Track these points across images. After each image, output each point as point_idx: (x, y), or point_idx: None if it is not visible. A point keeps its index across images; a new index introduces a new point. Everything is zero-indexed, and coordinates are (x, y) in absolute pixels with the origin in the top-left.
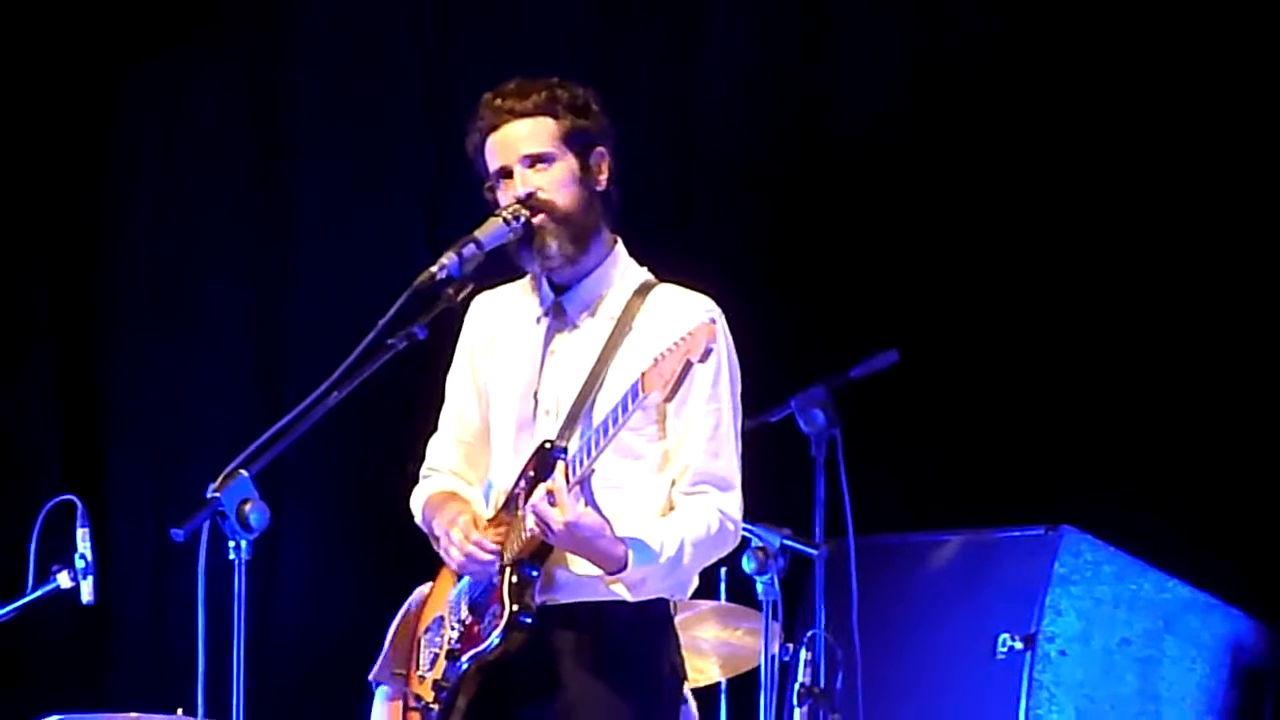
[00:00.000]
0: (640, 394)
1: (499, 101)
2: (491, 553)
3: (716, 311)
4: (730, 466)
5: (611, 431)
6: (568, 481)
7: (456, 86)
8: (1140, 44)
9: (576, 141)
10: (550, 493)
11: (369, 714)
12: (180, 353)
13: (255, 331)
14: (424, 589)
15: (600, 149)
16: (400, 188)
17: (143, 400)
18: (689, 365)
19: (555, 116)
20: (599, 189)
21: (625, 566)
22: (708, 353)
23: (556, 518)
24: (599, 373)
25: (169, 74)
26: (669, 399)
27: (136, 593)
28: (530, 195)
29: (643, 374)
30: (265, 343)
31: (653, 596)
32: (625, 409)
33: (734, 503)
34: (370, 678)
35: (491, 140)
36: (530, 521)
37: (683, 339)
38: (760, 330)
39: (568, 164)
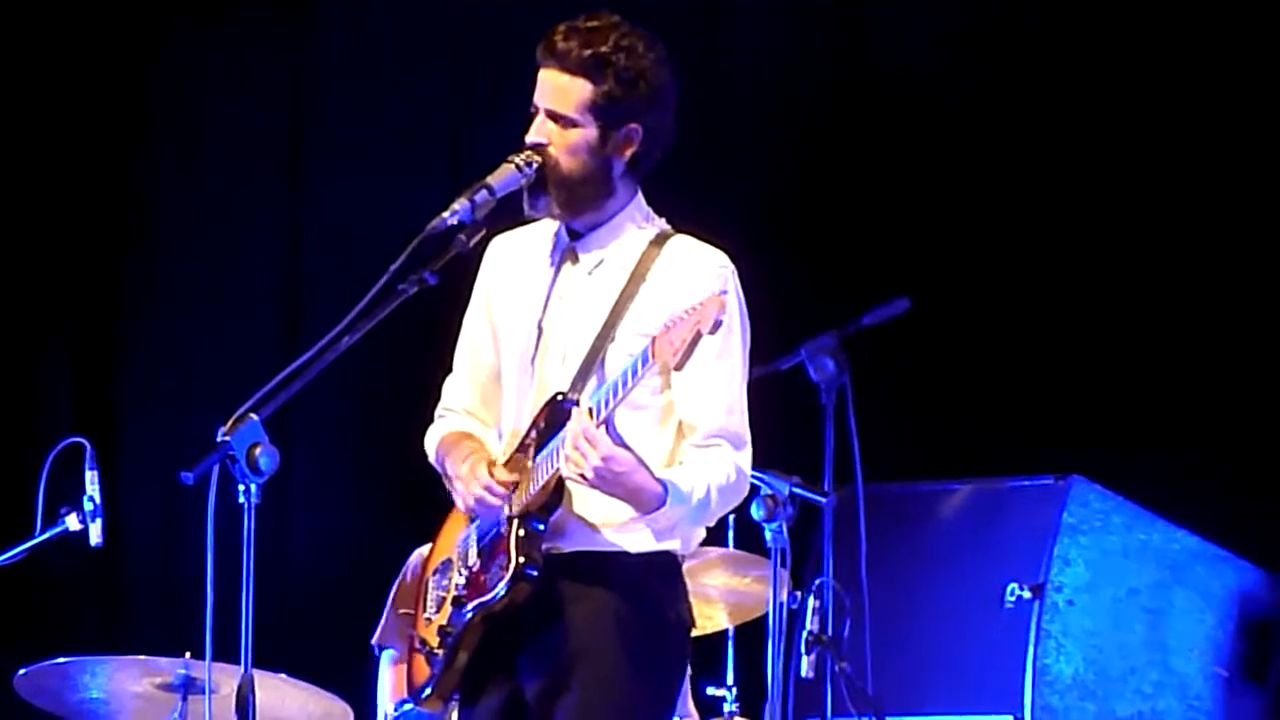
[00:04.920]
0: (650, 360)
1: (558, 40)
2: (501, 496)
3: (729, 267)
4: (742, 422)
5: (622, 394)
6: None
7: (480, 33)
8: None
9: (607, 114)
10: (581, 434)
11: (375, 677)
12: (193, 295)
13: (269, 275)
14: (422, 551)
15: (634, 126)
16: (421, 133)
17: (154, 343)
18: (699, 335)
19: (596, 82)
20: (618, 159)
21: (664, 504)
22: (717, 324)
23: (591, 454)
24: (612, 323)
25: (199, 21)
26: (679, 368)
27: (145, 536)
28: (538, 146)
29: (653, 340)
30: (279, 286)
31: (670, 543)
32: (635, 373)
33: (746, 459)
34: (373, 642)
35: (539, 74)
36: (563, 464)
37: (693, 309)
38: (771, 277)
39: (586, 133)
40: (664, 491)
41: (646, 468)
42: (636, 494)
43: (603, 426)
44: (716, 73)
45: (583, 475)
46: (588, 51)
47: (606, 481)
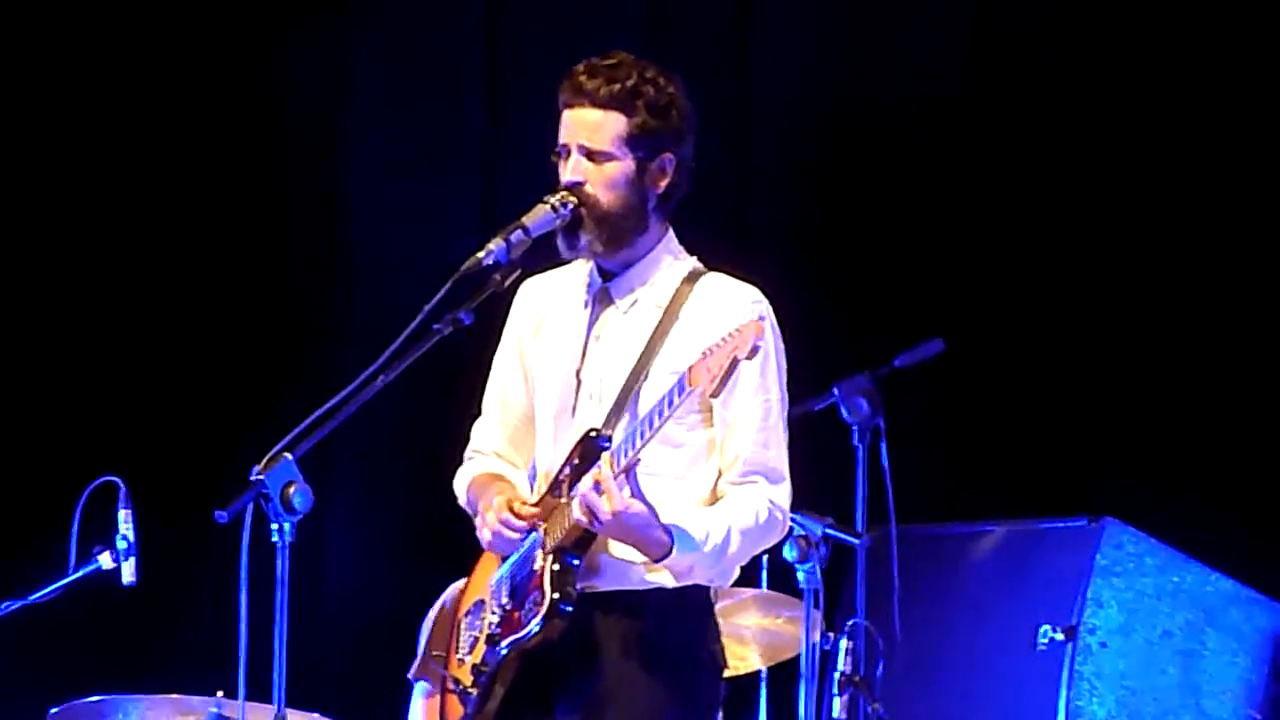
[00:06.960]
0: (687, 388)
1: (582, 79)
2: (519, 530)
3: (763, 302)
4: (780, 457)
5: (658, 424)
6: (613, 471)
7: (512, 70)
8: (1191, 25)
9: (642, 144)
10: (597, 482)
11: (408, 709)
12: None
13: (303, 314)
14: (458, 585)
15: (668, 155)
16: (454, 170)
17: (187, 380)
18: (736, 362)
19: (629, 114)
20: (654, 191)
21: (669, 554)
22: (755, 350)
23: (605, 507)
24: (646, 361)
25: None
26: (715, 394)
27: (178, 574)
28: (577, 185)
29: (690, 368)
30: (311, 319)
31: (699, 582)
32: (671, 403)
33: (784, 494)
34: (409, 675)
35: (565, 115)
36: (577, 510)
37: (731, 335)
38: (805, 318)
39: (624, 165)
40: (670, 541)
41: (657, 518)
42: (641, 544)
43: (623, 476)
44: (746, 112)
45: (594, 519)
46: (616, 86)
47: (612, 531)
